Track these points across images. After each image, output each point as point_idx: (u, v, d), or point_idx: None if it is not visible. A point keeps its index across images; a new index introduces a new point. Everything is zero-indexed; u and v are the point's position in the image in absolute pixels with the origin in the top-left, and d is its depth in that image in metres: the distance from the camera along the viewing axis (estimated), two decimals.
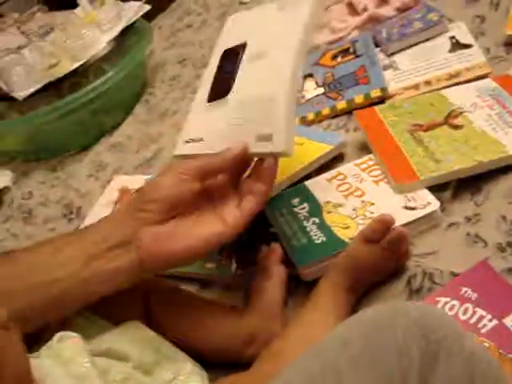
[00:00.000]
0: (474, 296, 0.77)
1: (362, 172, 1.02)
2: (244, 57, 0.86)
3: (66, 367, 0.66)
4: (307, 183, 1.03)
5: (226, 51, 0.91)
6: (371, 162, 1.03)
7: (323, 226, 0.93)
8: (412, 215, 0.90)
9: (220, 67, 0.90)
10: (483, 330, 0.73)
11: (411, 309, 0.59)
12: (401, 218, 0.87)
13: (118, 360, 0.72)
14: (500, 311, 0.74)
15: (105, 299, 0.80)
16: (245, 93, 0.82)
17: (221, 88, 0.86)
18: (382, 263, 0.84)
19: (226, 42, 0.93)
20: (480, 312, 0.75)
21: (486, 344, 0.71)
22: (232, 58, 0.88)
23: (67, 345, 0.68)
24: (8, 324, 0.64)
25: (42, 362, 0.67)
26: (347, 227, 0.91)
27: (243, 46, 0.87)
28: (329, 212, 0.95)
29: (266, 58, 0.83)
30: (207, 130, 0.84)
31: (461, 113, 1.05)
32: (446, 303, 0.77)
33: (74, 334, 0.70)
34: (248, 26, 0.94)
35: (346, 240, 0.88)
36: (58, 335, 0.69)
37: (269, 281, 0.88)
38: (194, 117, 0.90)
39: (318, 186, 1.02)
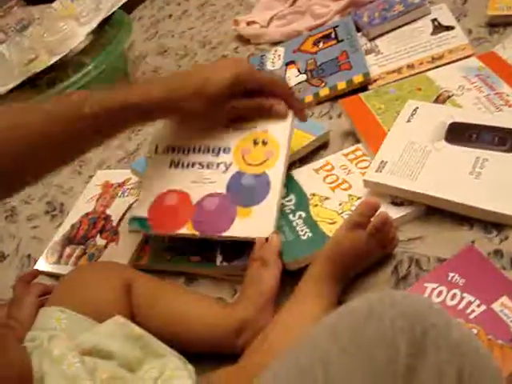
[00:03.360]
0: (462, 281, 0.76)
1: (350, 163, 1.01)
2: None
3: (57, 367, 0.65)
4: (294, 173, 1.02)
5: None
6: (359, 153, 1.02)
7: (309, 221, 0.92)
8: (400, 211, 0.89)
9: None
10: (471, 316, 0.72)
11: (398, 299, 0.58)
12: (388, 213, 0.85)
13: (103, 358, 0.70)
14: (488, 296, 0.73)
15: (88, 295, 0.80)
16: None
17: None
18: (369, 250, 0.83)
19: None
20: (468, 297, 0.74)
21: (475, 330, 0.70)
22: None
23: (57, 344, 0.68)
24: (9, 323, 0.64)
25: (34, 361, 0.66)
26: (333, 222, 0.90)
27: None
28: (315, 205, 0.95)
29: None
30: None
31: (449, 96, 1.04)
32: (434, 289, 0.76)
33: (63, 335, 0.70)
34: None
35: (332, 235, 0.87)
36: (47, 335, 0.68)
37: (265, 271, 0.86)
38: None
39: (305, 176, 1.01)
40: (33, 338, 0.71)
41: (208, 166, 0.99)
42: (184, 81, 0.93)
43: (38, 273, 1.02)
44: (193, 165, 1.00)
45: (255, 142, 0.99)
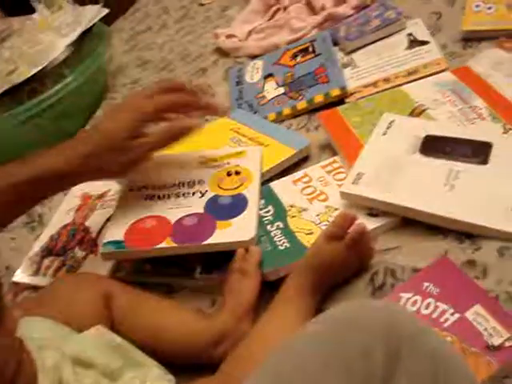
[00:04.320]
0: (436, 291, 0.78)
1: (327, 175, 1.02)
2: None
3: (52, 376, 0.66)
4: (272, 184, 1.04)
5: None
6: (336, 165, 1.04)
7: (287, 231, 0.93)
8: (376, 221, 0.90)
9: None
10: (446, 324, 0.74)
11: (376, 307, 0.60)
12: (365, 224, 0.86)
13: (85, 367, 0.71)
14: (462, 305, 0.75)
15: (67, 307, 0.80)
16: None
17: None
18: (346, 261, 0.84)
19: None
20: (442, 306, 0.76)
21: (449, 338, 0.72)
22: None
23: (49, 353, 0.68)
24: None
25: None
26: (311, 233, 0.92)
27: None
28: (293, 216, 0.96)
29: None
30: None
31: (424, 110, 1.06)
32: (409, 299, 0.78)
33: (53, 345, 0.70)
34: None
35: (310, 246, 0.88)
36: (36, 345, 0.69)
37: (245, 281, 0.87)
38: None
39: (283, 187, 1.03)
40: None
41: (184, 195, 1.01)
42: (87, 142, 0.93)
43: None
44: (168, 196, 1.01)
45: (228, 174, 1.03)
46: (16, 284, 1.08)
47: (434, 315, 0.75)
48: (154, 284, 0.98)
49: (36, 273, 1.10)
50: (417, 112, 1.06)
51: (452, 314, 0.75)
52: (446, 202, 0.86)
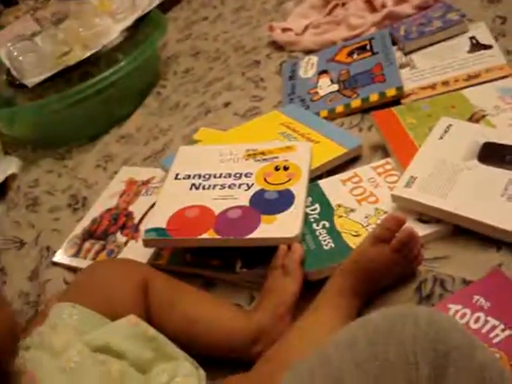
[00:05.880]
0: (487, 305, 0.74)
1: (378, 176, 0.99)
2: None
3: (57, 361, 0.64)
4: (321, 182, 1.01)
5: None
6: (388, 167, 1.00)
7: (333, 231, 0.91)
8: (426, 228, 0.87)
9: None
10: (495, 340, 0.70)
11: (420, 316, 0.56)
12: (414, 230, 0.83)
13: (114, 357, 0.69)
14: None
15: (103, 295, 0.79)
16: None
17: None
18: (392, 266, 0.81)
19: None
20: (492, 321, 0.72)
21: (498, 355, 0.68)
22: None
23: (59, 338, 0.67)
24: None
25: (34, 354, 0.66)
26: (358, 235, 0.89)
27: None
28: (340, 216, 0.93)
29: None
30: None
31: (483, 116, 1.02)
32: (457, 311, 0.75)
33: (67, 329, 0.69)
34: None
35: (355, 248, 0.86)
36: (48, 327, 0.68)
37: (286, 280, 0.85)
38: None
39: (331, 186, 1.00)
40: (39, 334, 0.70)
41: (230, 187, 0.99)
42: None
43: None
44: (214, 187, 1.00)
45: (276, 168, 1.01)
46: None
47: (484, 330, 0.72)
48: (192, 275, 0.96)
49: (76, 255, 1.10)
50: (476, 117, 1.02)
51: (503, 331, 0.71)
52: (502, 213, 0.82)
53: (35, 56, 1.55)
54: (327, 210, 0.95)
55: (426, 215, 0.88)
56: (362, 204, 0.94)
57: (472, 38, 1.26)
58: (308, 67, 1.39)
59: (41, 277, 1.11)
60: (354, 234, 0.89)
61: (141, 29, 1.64)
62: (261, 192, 0.97)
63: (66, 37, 1.60)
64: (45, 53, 1.56)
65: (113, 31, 1.60)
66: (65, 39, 1.60)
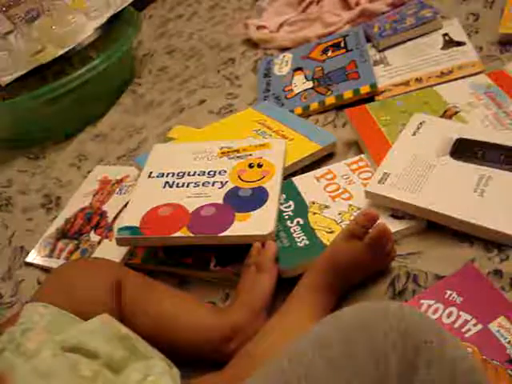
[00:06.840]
0: (459, 299, 0.75)
1: (352, 173, 0.99)
2: None
3: (31, 362, 0.63)
4: (295, 179, 1.01)
5: None
6: (362, 163, 1.01)
7: (307, 228, 0.91)
8: (400, 224, 0.87)
9: None
10: (467, 335, 0.71)
11: (391, 311, 0.56)
12: (388, 226, 0.83)
13: (87, 357, 0.68)
14: (485, 316, 0.72)
15: (75, 294, 0.78)
16: None
17: None
18: (365, 262, 0.81)
19: None
20: (465, 316, 0.73)
21: (470, 349, 0.69)
22: None
23: (31, 338, 0.66)
24: None
25: (6, 356, 0.64)
26: (331, 232, 0.89)
27: None
28: (314, 213, 0.93)
29: None
30: None
31: (456, 112, 1.03)
32: (430, 306, 0.75)
33: (38, 329, 0.68)
34: None
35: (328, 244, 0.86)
36: (20, 329, 0.67)
37: (261, 277, 0.85)
38: None
39: (306, 183, 1.00)
40: (10, 333, 0.69)
41: (204, 185, 0.99)
42: None
43: None
44: (188, 185, 0.99)
45: (251, 166, 1.00)
46: None
47: (456, 325, 0.72)
48: (166, 274, 0.96)
49: (50, 255, 1.09)
50: (449, 114, 1.03)
51: (475, 325, 0.72)
52: (474, 209, 0.83)
53: (8, 54, 1.53)
54: (301, 207, 0.95)
55: (399, 211, 0.88)
56: (336, 200, 0.94)
57: (445, 34, 1.27)
58: (283, 64, 1.39)
59: (14, 277, 1.10)
60: (328, 230, 0.89)
61: (115, 27, 1.62)
62: (235, 189, 0.96)
63: (40, 35, 1.58)
64: (18, 51, 1.54)
65: (87, 29, 1.58)
66: (38, 37, 1.58)
